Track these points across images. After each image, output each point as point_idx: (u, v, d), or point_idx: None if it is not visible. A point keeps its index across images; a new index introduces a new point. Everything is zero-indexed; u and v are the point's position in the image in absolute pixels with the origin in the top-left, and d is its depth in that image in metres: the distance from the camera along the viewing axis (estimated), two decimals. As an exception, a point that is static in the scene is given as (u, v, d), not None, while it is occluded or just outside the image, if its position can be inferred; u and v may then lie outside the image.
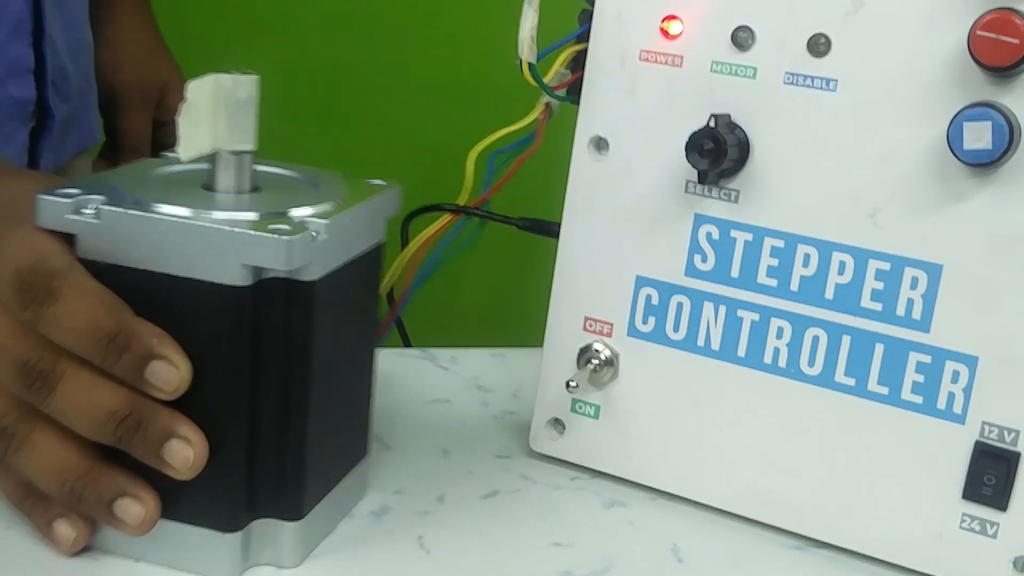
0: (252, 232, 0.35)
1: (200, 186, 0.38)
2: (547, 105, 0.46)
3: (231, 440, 0.36)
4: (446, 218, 0.47)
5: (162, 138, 0.79)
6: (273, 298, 0.35)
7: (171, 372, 0.35)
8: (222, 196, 0.38)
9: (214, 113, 0.36)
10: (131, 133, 0.78)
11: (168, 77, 0.79)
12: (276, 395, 0.36)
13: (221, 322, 0.35)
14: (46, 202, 0.36)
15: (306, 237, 0.35)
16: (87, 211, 0.36)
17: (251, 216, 0.36)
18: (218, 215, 0.35)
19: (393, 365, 0.56)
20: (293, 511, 0.38)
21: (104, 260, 0.35)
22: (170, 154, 0.40)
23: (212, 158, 0.37)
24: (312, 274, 0.36)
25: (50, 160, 0.68)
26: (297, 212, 0.37)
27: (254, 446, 0.36)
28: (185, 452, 0.35)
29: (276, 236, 0.34)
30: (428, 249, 0.47)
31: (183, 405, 0.36)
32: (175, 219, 0.35)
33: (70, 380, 0.35)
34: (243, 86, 0.36)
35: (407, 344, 0.56)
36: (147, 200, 0.36)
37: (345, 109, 1.14)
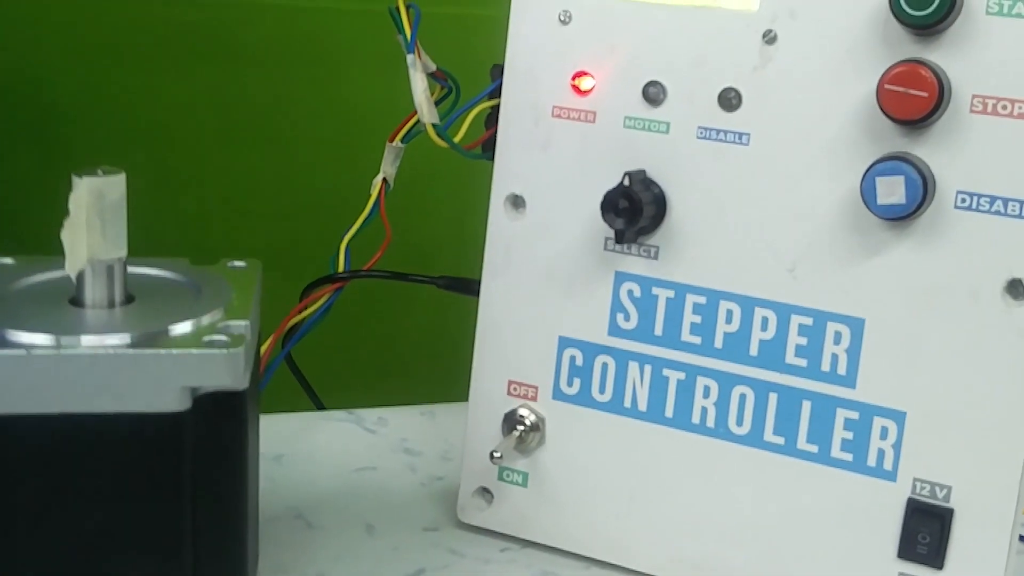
0: (196, 352, 0.32)
1: (67, 300, 0.35)
2: (384, 180, 0.45)
3: (176, 570, 0.33)
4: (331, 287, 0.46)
5: None
6: (206, 415, 0.33)
7: None
8: (101, 312, 0.34)
9: (89, 221, 0.33)
10: None
11: None
12: (214, 513, 0.34)
13: (158, 453, 0.32)
14: None
15: (246, 346, 0.33)
16: None
17: (177, 329, 0.33)
18: (120, 338, 0.32)
19: (319, 430, 0.54)
20: None
21: None
22: None
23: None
24: (243, 382, 0.33)
25: None
26: (206, 319, 0.34)
27: (198, 570, 0.34)
28: None
29: (222, 351, 0.32)
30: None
31: (123, 540, 0.33)
32: (99, 352, 0.31)
33: None
34: (114, 187, 0.33)
35: (319, 406, 0.55)
36: (28, 328, 0.32)
37: (285, 135, 1.14)
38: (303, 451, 0.51)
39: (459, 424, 0.46)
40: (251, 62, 1.10)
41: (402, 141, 0.45)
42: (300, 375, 0.50)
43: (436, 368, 0.69)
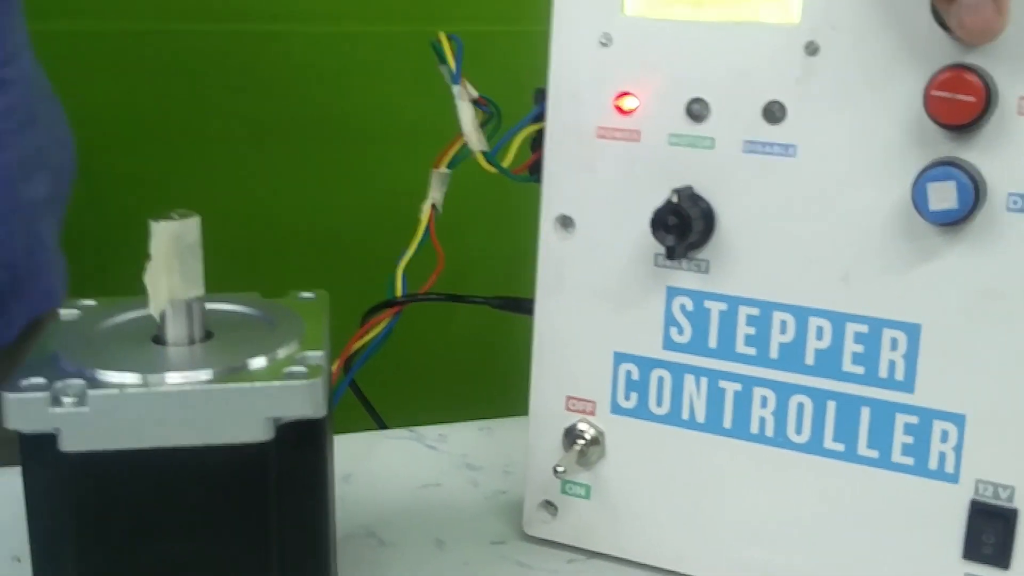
0: (277, 384, 0.33)
1: (150, 339, 0.37)
2: (432, 206, 0.46)
3: None
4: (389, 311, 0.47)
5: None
6: (289, 443, 0.34)
7: None
8: (183, 349, 0.36)
9: (168, 263, 0.35)
10: None
11: None
12: (299, 537, 0.35)
13: (245, 482, 0.34)
14: (17, 401, 0.32)
15: (325, 377, 0.34)
16: (68, 399, 0.33)
17: (257, 363, 0.35)
18: (204, 373, 0.34)
19: (382, 449, 0.55)
20: None
21: (93, 449, 0.33)
22: (66, 310, 0.39)
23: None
24: (322, 411, 0.35)
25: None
26: (283, 351, 0.35)
27: None
28: None
29: (302, 382, 0.33)
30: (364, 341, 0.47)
31: (214, 569, 0.34)
32: (186, 388, 0.33)
33: None
34: (190, 230, 0.35)
35: (381, 426, 0.56)
36: (118, 368, 0.34)
37: (320, 160, 1.15)
38: (369, 470, 0.53)
39: (517, 438, 0.47)
40: (287, 90, 1.11)
41: (448, 167, 0.46)
42: (363, 397, 0.52)
43: (490, 383, 0.70)
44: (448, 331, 1.03)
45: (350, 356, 0.48)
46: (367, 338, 0.48)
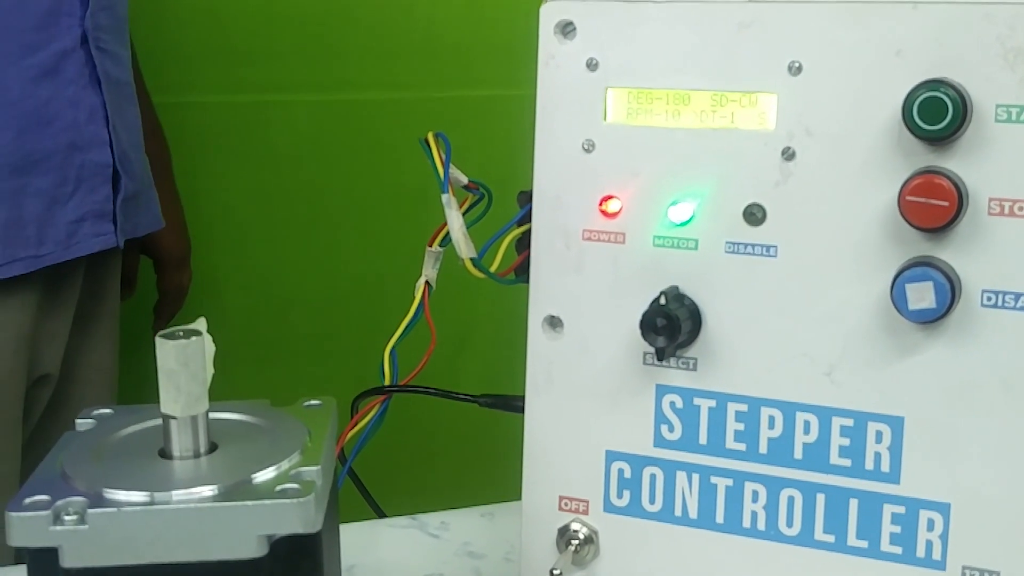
0: (268, 502, 0.34)
1: (156, 452, 0.37)
2: (427, 283, 0.46)
3: None
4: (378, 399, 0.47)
5: None
6: (283, 557, 0.35)
7: None
8: (187, 463, 0.36)
9: (173, 380, 0.35)
10: None
11: None
12: None
13: None
14: (19, 519, 0.33)
15: (317, 493, 0.35)
16: (69, 518, 0.33)
17: (255, 479, 0.35)
18: (204, 491, 0.34)
19: (385, 538, 0.55)
20: None
21: (93, 565, 0.33)
22: (82, 420, 0.39)
23: (166, 424, 0.36)
24: (315, 526, 0.35)
25: (127, 226, 0.84)
26: (283, 465, 0.36)
27: None
28: None
29: (294, 500, 0.34)
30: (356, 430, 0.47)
31: None
32: (181, 507, 0.34)
33: None
34: (195, 348, 0.35)
35: (381, 515, 0.56)
36: (120, 486, 0.34)
37: (325, 226, 1.15)
38: (372, 561, 0.53)
39: (519, 524, 0.47)
40: (287, 158, 1.12)
41: (440, 245, 0.46)
42: (363, 487, 0.51)
43: (491, 466, 0.70)
44: (447, 414, 1.03)
45: (345, 445, 0.47)
46: (360, 426, 0.47)
